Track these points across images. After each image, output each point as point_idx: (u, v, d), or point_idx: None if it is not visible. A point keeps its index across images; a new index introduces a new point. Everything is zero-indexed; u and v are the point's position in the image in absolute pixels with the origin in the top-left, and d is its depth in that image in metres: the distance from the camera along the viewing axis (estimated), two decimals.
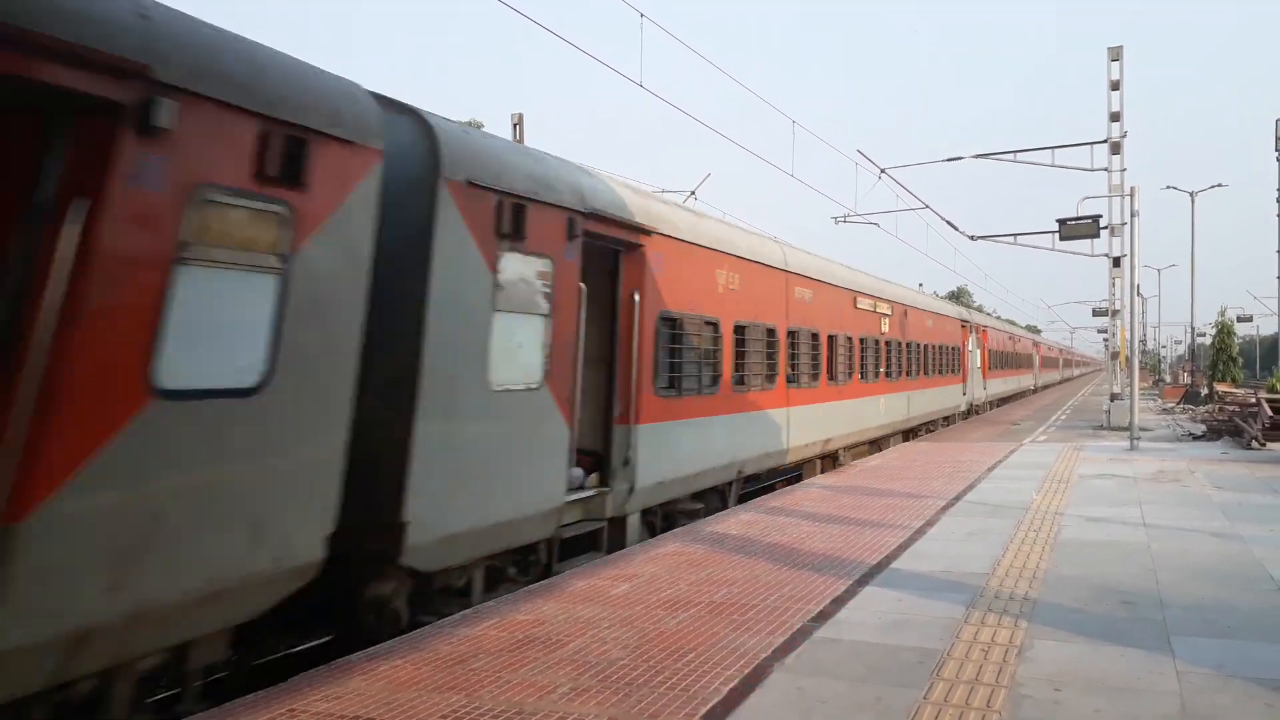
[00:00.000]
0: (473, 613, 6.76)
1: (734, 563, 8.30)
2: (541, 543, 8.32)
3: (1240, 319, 60.30)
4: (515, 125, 21.29)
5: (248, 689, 5.46)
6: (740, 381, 12.44)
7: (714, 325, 11.68)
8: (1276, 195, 29.35)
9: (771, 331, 13.62)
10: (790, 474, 16.26)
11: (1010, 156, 26.50)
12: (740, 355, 12.49)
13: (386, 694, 5.06)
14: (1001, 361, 39.78)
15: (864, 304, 18.80)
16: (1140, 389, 22.20)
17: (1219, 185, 47.54)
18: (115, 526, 4.60)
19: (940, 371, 26.45)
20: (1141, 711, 4.69)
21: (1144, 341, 64.18)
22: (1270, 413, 21.17)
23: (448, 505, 6.96)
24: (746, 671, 5.35)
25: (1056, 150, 25.35)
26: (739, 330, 12.45)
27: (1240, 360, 57.80)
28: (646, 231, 9.92)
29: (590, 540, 9.23)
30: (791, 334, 14.53)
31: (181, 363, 4.90)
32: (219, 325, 5.14)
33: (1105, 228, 25.17)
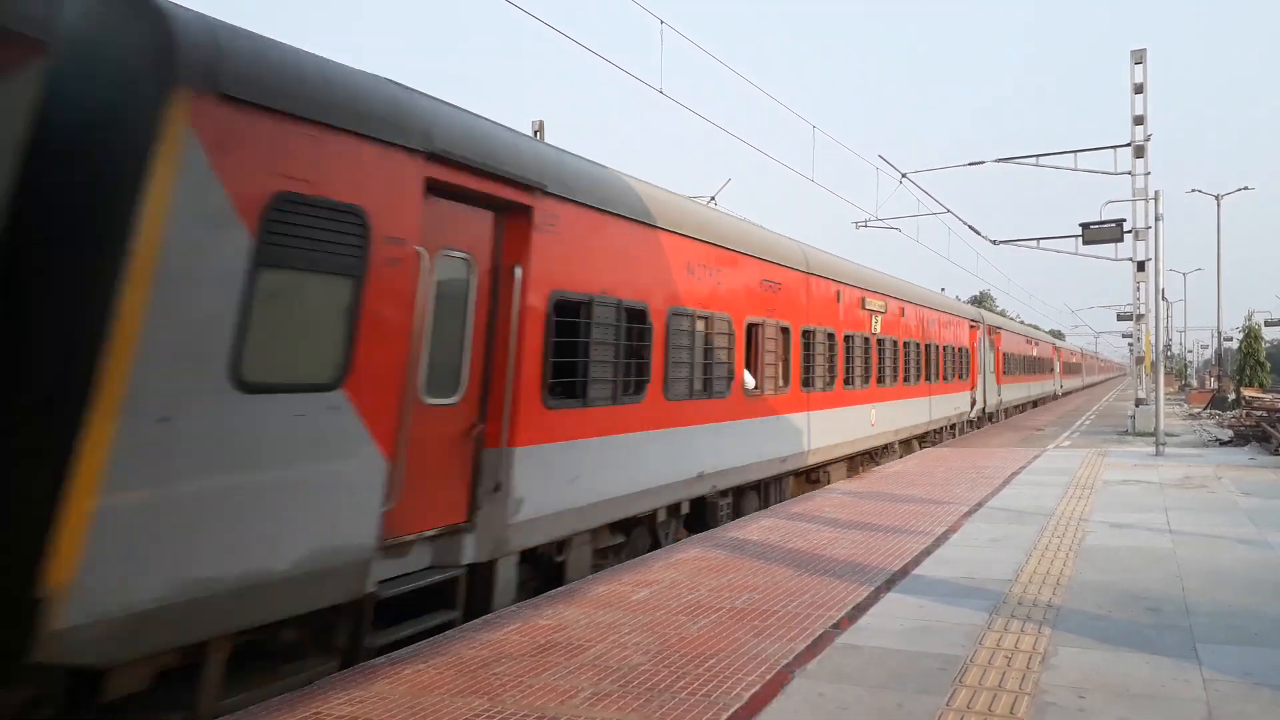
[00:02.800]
0: (495, 617, 6.80)
1: (755, 568, 8.29)
2: None
3: (1268, 323, 59.56)
4: (536, 132, 21.37)
5: None
6: None
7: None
8: None
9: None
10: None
11: (1033, 161, 26.35)
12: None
13: (410, 698, 5.10)
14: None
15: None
16: (1166, 394, 21.98)
17: (1245, 188, 47.07)
18: None
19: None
20: (1167, 719, 4.65)
21: (1169, 346, 63.54)
22: None
23: None
24: (768, 678, 5.35)
25: (1080, 154, 25.17)
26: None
27: (1268, 365, 57.06)
28: None
29: None
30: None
31: None
32: None
33: (1129, 232, 24.95)
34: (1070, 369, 72.04)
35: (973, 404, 28.36)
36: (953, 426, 26.31)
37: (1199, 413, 39.54)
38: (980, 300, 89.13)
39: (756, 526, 10.56)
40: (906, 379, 20.39)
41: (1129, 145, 24.63)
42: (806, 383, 14.27)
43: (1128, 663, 5.53)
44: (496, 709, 4.91)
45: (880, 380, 18.33)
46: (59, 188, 5.05)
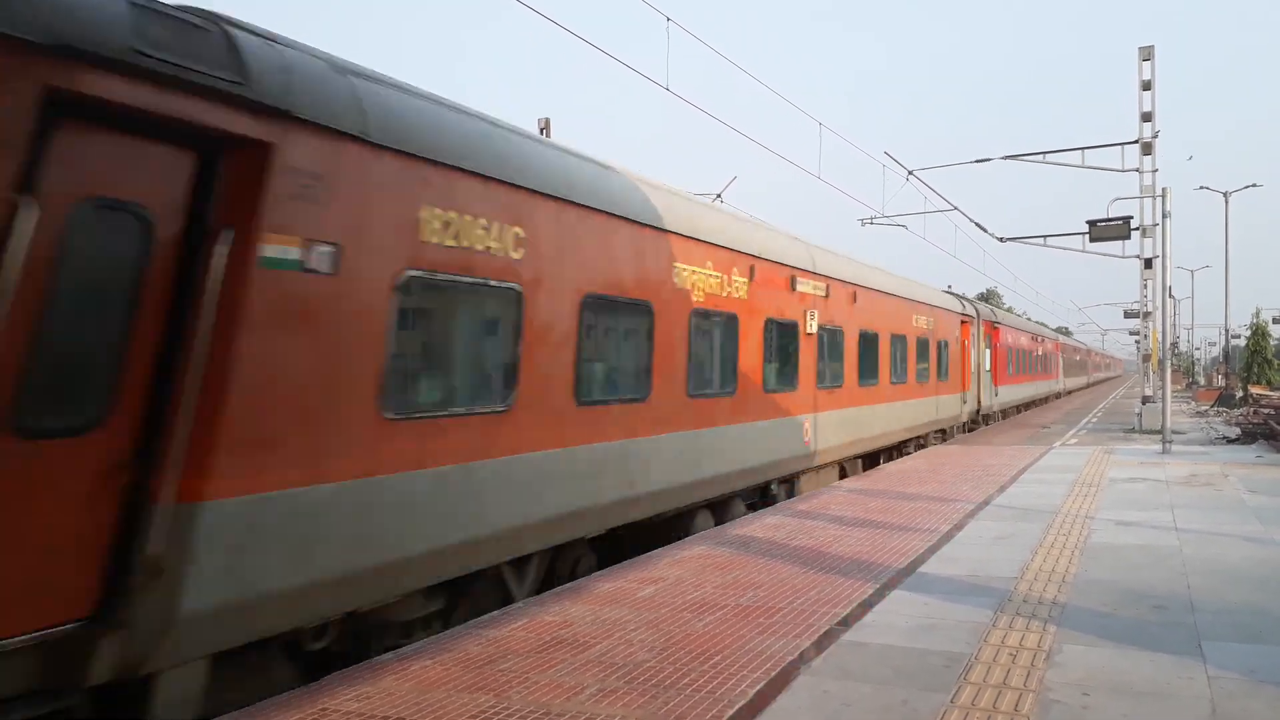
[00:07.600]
0: (501, 614, 6.83)
1: (760, 566, 8.31)
2: None
3: (1276, 320, 59.34)
4: (543, 129, 21.39)
5: None
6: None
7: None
8: None
9: None
10: None
11: (1040, 157, 26.30)
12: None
13: (416, 694, 5.13)
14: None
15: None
16: (1173, 391, 21.94)
17: (1254, 185, 46.92)
18: None
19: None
20: (1171, 716, 4.66)
21: (1176, 344, 63.28)
22: None
23: None
24: (773, 674, 5.37)
25: (1087, 151, 25.11)
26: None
27: (1275, 362, 56.87)
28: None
29: None
30: None
31: None
32: None
33: (1137, 229, 24.90)
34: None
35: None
36: None
37: (1206, 410, 39.46)
38: (987, 298, 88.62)
39: (761, 524, 10.58)
40: None
41: (1137, 142, 24.57)
42: None
43: (1132, 660, 5.54)
44: (502, 705, 4.94)
45: None
46: None
